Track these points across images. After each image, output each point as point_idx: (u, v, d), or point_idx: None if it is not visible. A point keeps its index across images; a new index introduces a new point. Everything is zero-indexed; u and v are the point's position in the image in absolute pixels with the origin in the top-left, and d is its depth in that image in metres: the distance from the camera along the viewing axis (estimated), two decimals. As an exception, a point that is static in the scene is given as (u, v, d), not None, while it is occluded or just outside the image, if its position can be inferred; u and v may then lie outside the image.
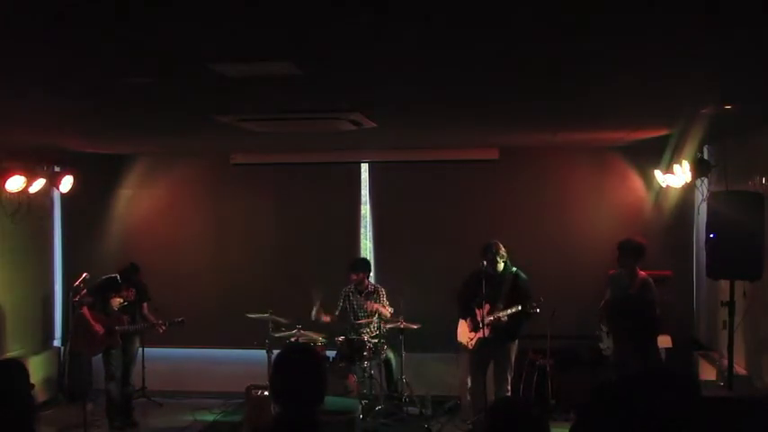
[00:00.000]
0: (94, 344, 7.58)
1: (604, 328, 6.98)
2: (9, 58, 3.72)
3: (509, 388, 7.30)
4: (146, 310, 7.88)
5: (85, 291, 7.55)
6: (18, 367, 3.25)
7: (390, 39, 3.38)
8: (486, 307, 7.05)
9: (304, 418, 2.88)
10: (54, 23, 3.08)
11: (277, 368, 3.00)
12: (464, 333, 7.34)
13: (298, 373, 2.94)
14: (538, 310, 7.02)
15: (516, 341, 7.30)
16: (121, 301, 7.63)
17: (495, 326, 7.05)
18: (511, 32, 3.29)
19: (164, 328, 7.75)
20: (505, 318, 7.04)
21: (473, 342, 7.21)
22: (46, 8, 2.87)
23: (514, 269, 7.23)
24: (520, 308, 7.00)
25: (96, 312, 7.58)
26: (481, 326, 7.04)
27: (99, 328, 7.51)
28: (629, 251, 6.99)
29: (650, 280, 6.97)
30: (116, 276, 7.70)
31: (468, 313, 7.26)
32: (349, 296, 8.20)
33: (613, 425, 2.95)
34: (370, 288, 8.19)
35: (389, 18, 3.02)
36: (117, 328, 7.56)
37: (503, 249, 7.16)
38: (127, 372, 7.81)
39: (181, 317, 7.81)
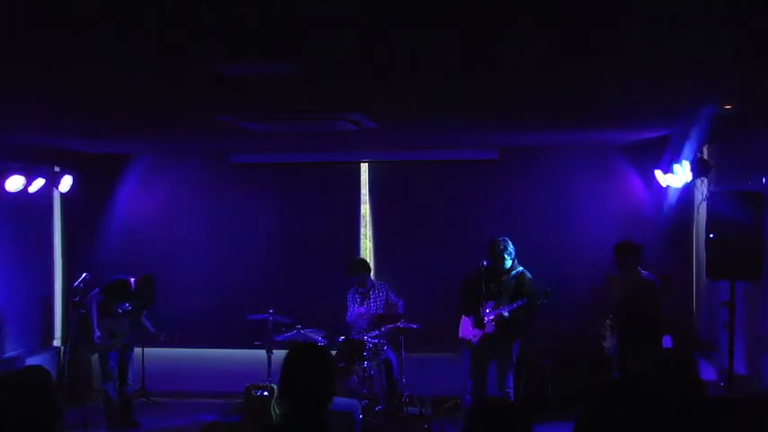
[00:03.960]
0: (94, 343, 7.58)
1: (609, 325, 6.99)
2: (10, 57, 3.72)
3: (510, 386, 7.30)
4: (144, 317, 7.87)
5: (98, 289, 7.55)
6: (36, 376, 3.13)
7: (390, 39, 3.38)
8: (491, 303, 7.08)
9: (312, 417, 2.87)
10: (54, 24, 3.08)
11: (287, 367, 2.98)
12: (466, 330, 7.34)
13: (307, 371, 2.93)
14: (545, 300, 7.05)
15: (519, 341, 7.31)
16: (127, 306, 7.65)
17: (498, 322, 7.07)
18: (511, 32, 3.29)
19: (161, 340, 7.78)
20: (507, 314, 7.05)
21: (476, 338, 7.22)
22: (45, 9, 2.87)
23: (521, 268, 7.25)
24: (526, 300, 7.01)
25: (101, 313, 7.58)
26: (484, 321, 7.06)
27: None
28: (628, 251, 6.98)
29: (653, 280, 6.95)
30: (129, 281, 7.68)
31: (471, 309, 7.27)
32: (355, 297, 8.18)
33: (615, 425, 2.95)
34: (370, 285, 8.16)
35: (389, 18, 3.03)
36: (117, 330, 7.57)
37: (511, 246, 7.18)
38: (124, 372, 7.80)
39: (176, 332, 7.80)
